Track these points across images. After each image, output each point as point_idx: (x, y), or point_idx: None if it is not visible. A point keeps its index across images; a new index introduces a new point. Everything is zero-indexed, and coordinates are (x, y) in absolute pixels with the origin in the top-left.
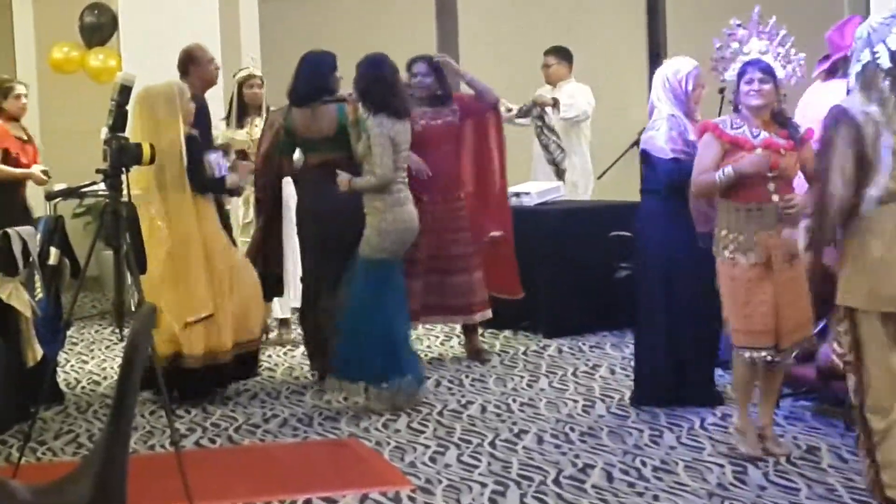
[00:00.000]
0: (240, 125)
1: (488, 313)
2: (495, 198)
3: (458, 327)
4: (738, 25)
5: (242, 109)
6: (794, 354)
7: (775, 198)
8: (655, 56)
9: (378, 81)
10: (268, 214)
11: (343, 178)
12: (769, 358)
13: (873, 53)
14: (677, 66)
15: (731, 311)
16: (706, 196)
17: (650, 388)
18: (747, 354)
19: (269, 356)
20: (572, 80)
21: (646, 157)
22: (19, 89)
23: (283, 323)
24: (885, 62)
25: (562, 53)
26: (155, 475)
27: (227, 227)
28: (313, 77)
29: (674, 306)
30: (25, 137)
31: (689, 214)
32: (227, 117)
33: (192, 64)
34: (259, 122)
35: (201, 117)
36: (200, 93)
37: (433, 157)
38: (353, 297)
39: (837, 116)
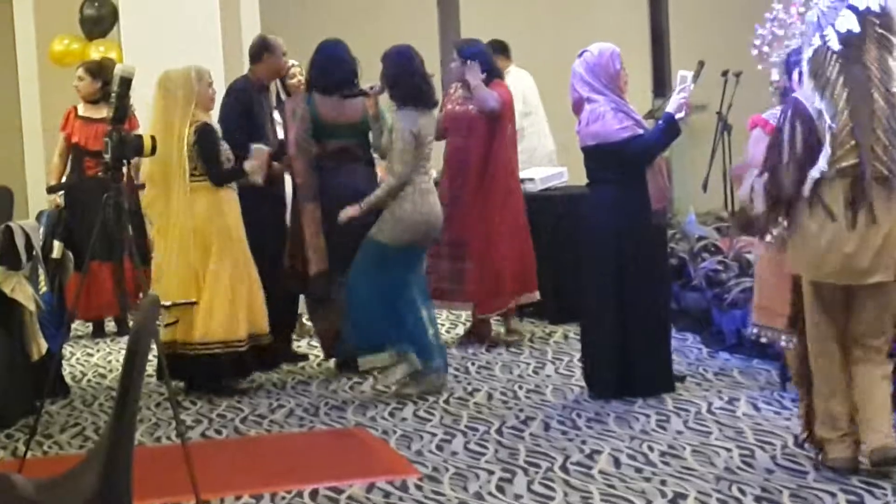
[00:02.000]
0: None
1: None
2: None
3: (465, 314)
4: (780, 8)
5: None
6: None
7: None
8: (658, 42)
9: (410, 73)
10: (312, 202)
11: (348, 212)
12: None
13: (823, 37)
14: (598, 49)
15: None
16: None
17: (603, 378)
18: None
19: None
20: (510, 67)
21: (598, 148)
22: (78, 71)
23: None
24: (835, 45)
25: (496, 47)
26: (161, 467)
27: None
28: (342, 66)
29: (627, 294)
30: (97, 117)
31: (640, 200)
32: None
33: (267, 52)
34: None
35: (263, 105)
36: (266, 82)
37: (449, 142)
38: (354, 272)
39: (793, 110)
